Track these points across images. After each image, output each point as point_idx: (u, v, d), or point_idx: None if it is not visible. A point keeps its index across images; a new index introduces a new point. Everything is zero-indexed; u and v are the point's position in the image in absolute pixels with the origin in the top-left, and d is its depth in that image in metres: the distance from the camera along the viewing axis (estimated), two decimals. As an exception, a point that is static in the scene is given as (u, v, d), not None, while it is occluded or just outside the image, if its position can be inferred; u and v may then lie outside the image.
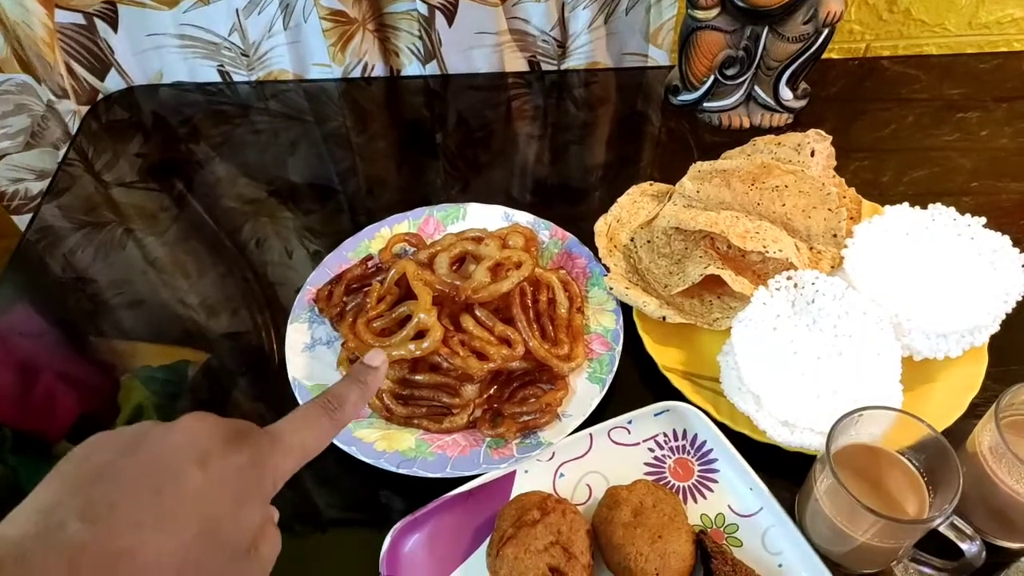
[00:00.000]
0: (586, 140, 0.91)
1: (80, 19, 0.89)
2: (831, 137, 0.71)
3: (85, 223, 0.83)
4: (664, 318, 0.63)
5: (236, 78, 0.97)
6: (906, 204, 0.66)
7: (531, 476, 0.57)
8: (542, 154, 0.91)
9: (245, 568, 0.32)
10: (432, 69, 0.95)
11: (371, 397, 0.39)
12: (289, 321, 0.66)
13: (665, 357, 0.63)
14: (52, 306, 0.77)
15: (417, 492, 0.56)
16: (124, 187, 0.86)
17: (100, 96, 0.96)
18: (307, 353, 0.64)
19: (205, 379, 0.69)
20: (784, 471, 0.57)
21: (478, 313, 0.61)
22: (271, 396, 0.65)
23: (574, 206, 0.83)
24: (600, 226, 0.70)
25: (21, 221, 1.04)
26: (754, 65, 0.82)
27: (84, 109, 0.94)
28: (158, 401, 0.67)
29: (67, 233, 0.82)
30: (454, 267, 0.65)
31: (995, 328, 0.60)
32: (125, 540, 0.28)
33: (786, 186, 0.66)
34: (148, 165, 0.89)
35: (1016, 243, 0.62)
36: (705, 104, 0.87)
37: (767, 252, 0.62)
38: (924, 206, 0.65)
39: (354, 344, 0.59)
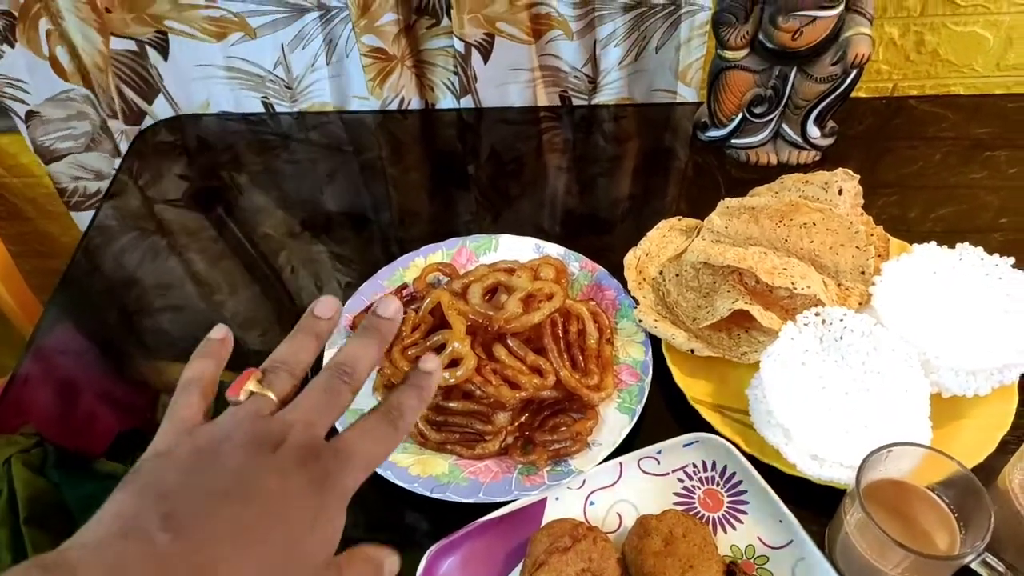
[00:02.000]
0: (614, 173, 0.93)
1: (133, 46, 0.93)
2: (859, 176, 0.72)
3: (132, 236, 0.86)
4: (693, 351, 0.64)
5: (279, 109, 1.00)
6: (934, 243, 0.67)
7: (562, 503, 0.58)
8: (571, 186, 0.93)
9: None
10: (466, 103, 0.98)
11: (429, 401, 0.38)
12: (327, 346, 0.67)
13: (694, 389, 0.64)
14: (94, 326, 0.80)
15: (449, 516, 0.58)
16: (166, 204, 0.90)
17: (147, 118, 1.00)
18: (344, 378, 0.65)
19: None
20: (814, 503, 0.58)
21: (510, 343, 0.62)
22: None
23: (602, 237, 0.85)
24: (630, 259, 0.72)
25: (79, 219, 1.08)
26: (782, 104, 0.84)
27: (132, 129, 0.99)
28: None
29: (112, 256, 0.85)
30: (486, 297, 0.67)
31: (1024, 367, 0.61)
32: (207, 553, 0.28)
33: (814, 223, 0.67)
34: (192, 189, 0.92)
35: None
36: (733, 140, 0.89)
37: (795, 288, 0.63)
38: (952, 243, 0.66)
39: (390, 371, 0.61)
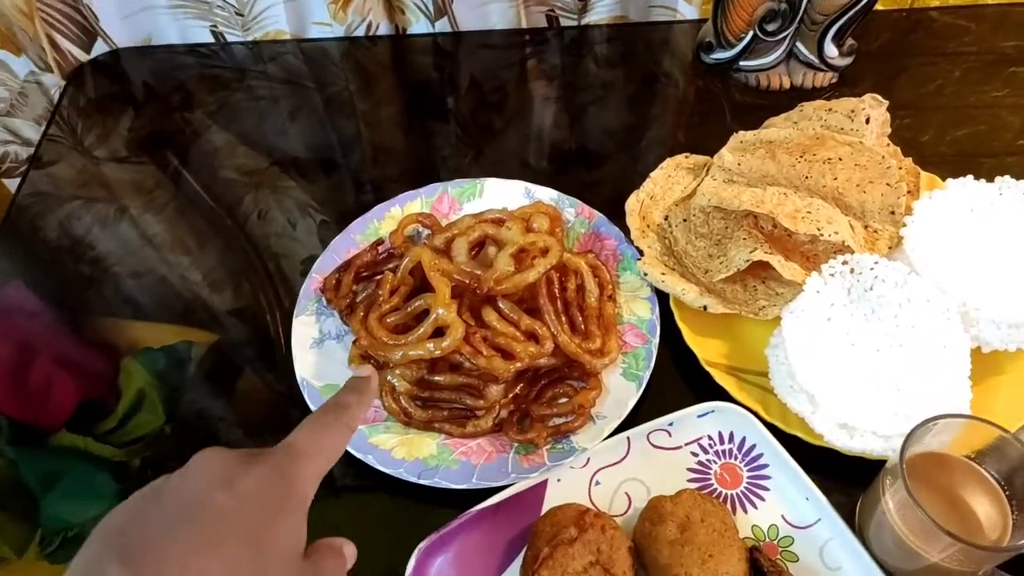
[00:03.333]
0: (608, 102, 0.85)
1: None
2: (887, 103, 0.64)
3: (75, 198, 0.77)
4: (705, 307, 0.57)
5: (230, 39, 0.90)
6: (970, 177, 0.60)
7: (564, 485, 0.52)
8: (560, 118, 0.84)
9: None
10: (442, 26, 0.88)
11: (370, 401, 0.39)
12: (295, 314, 0.60)
13: (707, 350, 0.58)
14: (46, 284, 0.73)
15: (440, 502, 0.52)
16: (116, 162, 0.80)
17: (84, 61, 0.89)
18: (315, 350, 0.58)
19: (209, 361, 0.65)
20: (842, 475, 0.52)
21: (501, 306, 0.55)
22: (281, 378, 0.60)
23: (594, 173, 0.77)
24: (632, 204, 0.64)
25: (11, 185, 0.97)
26: (797, 19, 0.75)
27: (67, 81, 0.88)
28: (160, 385, 0.63)
29: (57, 206, 0.76)
30: (473, 253, 0.59)
31: (1074, 316, 0.54)
32: (168, 570, 0.28)
33: (840, 158, 0.60)
34: (140, 137, 0.83)
35: None
36: (741, 63, 0.80)
37: (821, 234, 0.56)
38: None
39: (367, 342, 0.54)
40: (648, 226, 0.64)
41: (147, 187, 0.77)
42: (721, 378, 0.56)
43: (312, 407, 0.55)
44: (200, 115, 0.84)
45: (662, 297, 0.61)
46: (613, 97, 0.85)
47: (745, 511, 0.52)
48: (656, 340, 0.58)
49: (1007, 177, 0.59)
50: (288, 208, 0.75)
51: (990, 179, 0.59)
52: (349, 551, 0.36)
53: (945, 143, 0.79)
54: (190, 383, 0.63)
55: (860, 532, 0.50)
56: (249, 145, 0.81)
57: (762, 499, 0.52)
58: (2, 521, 0.57)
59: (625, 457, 0.53)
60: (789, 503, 0.51)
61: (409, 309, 0.55)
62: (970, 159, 0.78)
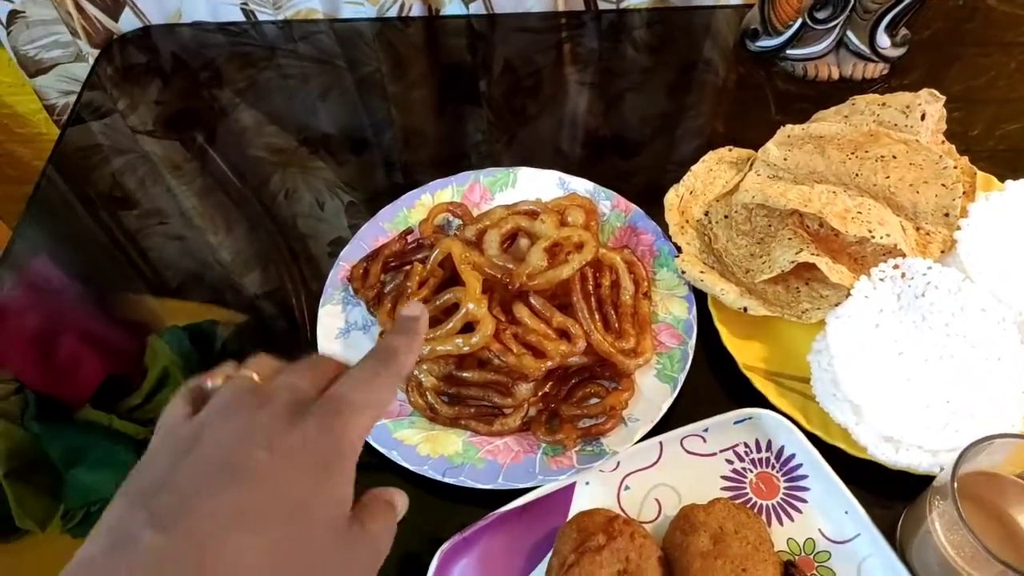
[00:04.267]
0: (646, 89, 0.82)
1: (89, -49, 0.80)
2: (944, 98, 0.61)
3: (104, 170, 0.76)
4: (745, 309, 0.55)
5: (261, 17, 0.88)
6: (1032, 177, 0.57)
7: (592, 488, 0.50)
8: (596, 104, 0.82)
9: (352, 545, 0.29)
10: (476, 8, 0.85)
11: (419, 347, 0.35)
12: (321, 303, 0.59)
13: (746, 354, 0.55)
14: (73, 258, 0.72)
15: (465, 500, 0.51)
16: (144, 135, 0.79)
17: (114, 38, 0.88)
18: (341, 340, 0.57)
19: (235, 342, 0.64)
20: (884, 489, 0.50)
21: (533, 301, 0.53)
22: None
23: (631, 162, 0.75)
24: (671, 198, 0.62)
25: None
26: (849, 7, 0.71)
27: (97, 53, 0.87)
28: (184, 364, 0.62)
29: (86, 182, 0.76)
30: (505, 245, 0.58)
31: None
32: (207, 541, 0.26)
33: (894, 156, 0.57)
34: (168, 113, 0.82)
35: None
36: (788, 51, 0.76)
37: (873, 237, 0.53)
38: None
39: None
40: (687, 222, 0.61)
41: (175, 162, 0.77)
42: (760, 383, 0.54)
43: (336, 400, 0.54)
44: (229, 92, 0.83)
45: (700, 296, 0.58)
46: (651, 84, 0.83)
47: (781, 523, 0.50)
48: (692, 341, 0.56)
49: (1071, 178, 0.56)
50: (316, 188, 0.73)
51: None
52: (401, 501, 0.33)
53: (995, 138, 0.75)
54: (214, 362, 0.62)
55: (901, 550, 0.48)
56: (278, 124, 0.80)
57: (799, 511, 0.50)
58: (26, 495, 0.56)
59: (657, 462, 0.51)
60: (827, 516, 0.49)
61: (438, 302, 0.53)
62: (1020, 155, 0.74)
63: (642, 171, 0.74)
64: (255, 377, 0.32)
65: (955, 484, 0.42)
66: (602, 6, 0.87)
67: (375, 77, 0.84)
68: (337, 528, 0.29)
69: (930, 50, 0.83)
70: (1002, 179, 0.62)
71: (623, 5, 0.86)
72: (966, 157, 0.62)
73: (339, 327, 0.58)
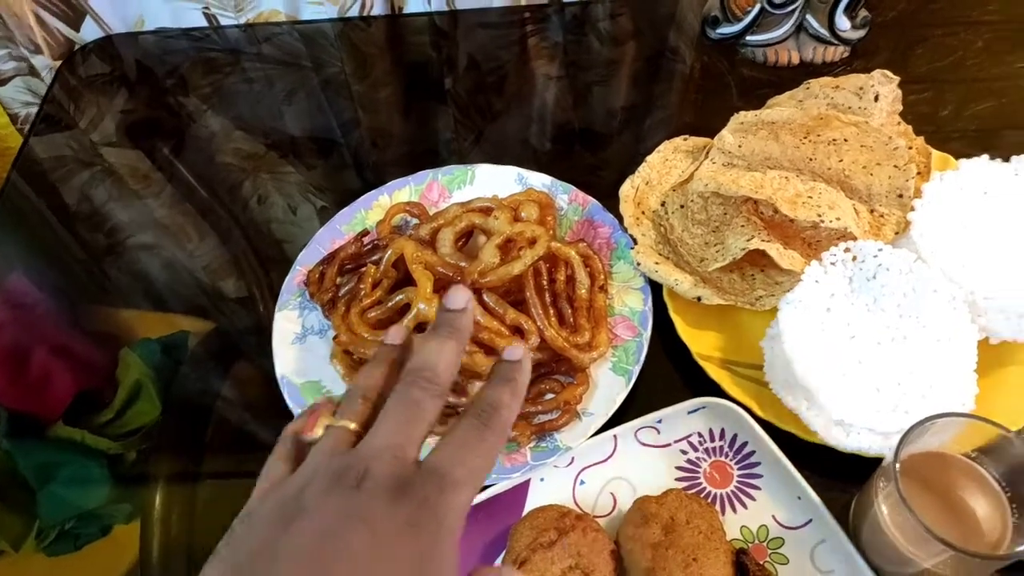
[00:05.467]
0: (612, 81, 0.82)
1: (47, -41, 0.80)
2: (898, 79, 0.60)
3: (69, 182, 0.76)
4: (699, 299, 0.55)
5: (224, 21, 0.88)
6: (985, 157, 0.56)
7: (547, 484, 0.51)
8: (563, 98, 0.82)
9: None
10: (439, 5, 0.85)
11: (523, 395, 0.32)
12: (277, 308, 0.59)
13: (700, 343, 0.56)
14: (42, 272, 0.73)
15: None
16: (110, 146, 0.79)
17: (76, 48, 0.88)
18: (297, 345, 0.57)
19: (204, 352, 0.64)
20: (839, 473, 0.50)
21: (486, 299, 0.54)
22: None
23: (599, 155, 0.75)
24: (626, 190, 0.62)
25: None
26: (807, -10, 0.71)
27: (59, 64, 0.87)
28: (157, 376, 0.62)
29: (52, 190, 0.76)
30: (460, 243, 0.58)
31: (1089, 305, 0.51)
32: None
33: (845, 139, 0.57)
34: (134, 121, 0.82)
35: None
36: (748, 37, 0.76)
37: (823, 221, 0.53)
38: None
39: (347, 338, 0.53)
40: (643, 213, 0.61)
41: (143, 171, 0.77)
42: (714, 372, 0.54)
43: (291, 405, 0.54)
44: (195, 99, 0.83)
45: (656, 288, 0.58)
46: (617, 76, 0.82)
47: (735, 511, 0.50)
48: (648, 333, 0.56)
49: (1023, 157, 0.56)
50: (288, 193, 0.74)
51: (1011, 155, 0.55)
52: None
53: (964, 118, 0.75)
54: (187, 374, 0.63)
55: (854, 534, 0.48)
56: (246, 129, 0.80)
57: (753, 499, 0.50)
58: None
59: (612, 455, 0.52)
60: (780, 503, 0.49)
61: (391, 304, 0.53)
62: (991, 134, 0.74)
63: (609, 163, 0.74)
64: (352, 427, 0.31)
65: (897, 465, 0.42)
66: (566, -1, 0.86)
67: (340, 77, 0.84)
68: None
69: (895, 31, 0.83)
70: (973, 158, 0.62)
71: (586, -4, 0.86)
72: (921, 138, 0.62)
73: (295, 332, 0.58)
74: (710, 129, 0.67)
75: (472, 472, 0.29)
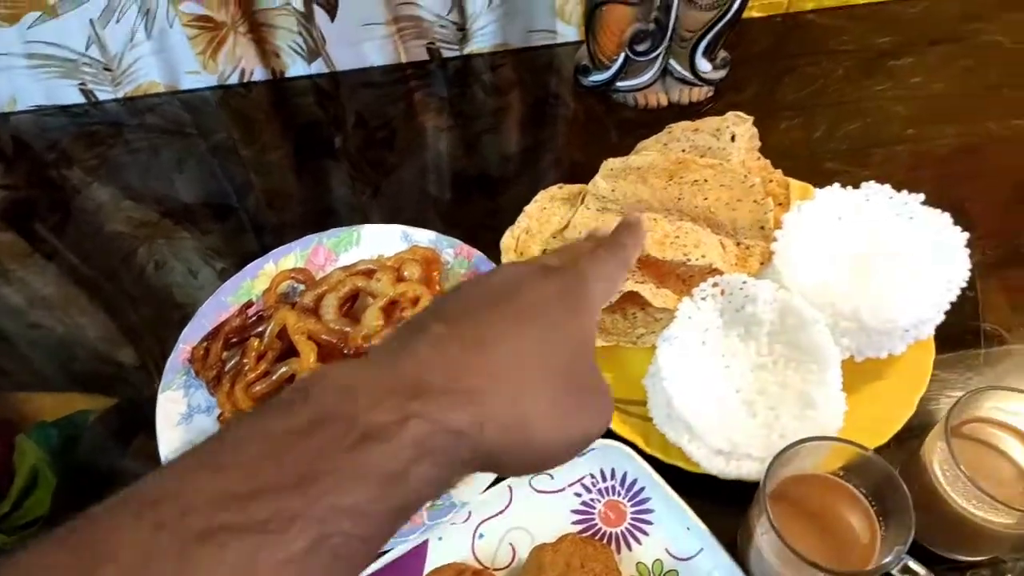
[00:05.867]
0: (500, 129, 0.85)
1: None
2: (751, 118, 0.64)
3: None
4: (583, 342, 0.56)
5: (102, 96, 0.87)
6: (837, 185, 0.60)
7: (446, 542, 0.51)
8: (455, 148, 0.84)
9: (597, 375, 0.33)
10: (318, 67, 0.86)
11: (642, 243, 0.40)
12: (160, 389, 0.58)
13: (588, 384, 0.57)
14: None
15: None
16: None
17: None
18: (183, 426, 0.56)
19: (103, 431, 0.62)
20: (729, 500, 0.52)
21: (374, 361, 0.54)
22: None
23: (497, 200, 0.77)
24: (507, 241, 0.63)
25: None
26: (667, 38, 0.75)
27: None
28: (54, 461, 0.60)
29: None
30: (345, 307, 0.58)
31: (940, 319, 0.55)
32: (481, 331, 0.30)
33: (706, 180, 0.60)
34: (15, 199, 0.80)
35: (956, 187, 0.57)
36: (618, 84, 0.80)
37: (688, 259, 0.56)
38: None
39: (231, 414, 0.52)
40: (525, 261, 0.63)
41: (24, 249, 0.75)
42: (603, 413, 0.55)
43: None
44: (79, 172, 0.82)
45: (543, 333, 0.60)
46: (505, 123, 0.85)
47: (630, 548, 0.51)
48: (537, 379, 0.57)
49: (872, 183, 0.60)
50: (186, 258, 0.73)
51: (884, 171, 0.59)
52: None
53: (836, 139, 0.80)
54: (85, 456, 0.61)
55: (741, 559, 0.49)
56: (135, 199, 0.79)
57: (646, 533, 0.51)
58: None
59: (508, 506, 0.52)
60: (672, 535, 0.51)
61: (275, 377, 0.53)
62: (861, 152, 0.79)
63: (507, 207, 0.76)
64: None
65: (766, 496, 0.44)
66: (446, 54, 0.89)
67: (228, 143, 0.84)
68: (589, 351, 0.33)
69: (761, 65, 0.88)
70: (849, 174, 0.66)
71: (466, 51, 0.89)
72: (780, 171, 0.66)
73: (181, 412, 0.57)
74: (597, 167, 0.69)
75: (602, 275, 0.36)
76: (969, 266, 0.54)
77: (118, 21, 0.80)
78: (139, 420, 0.62)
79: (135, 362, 0.65)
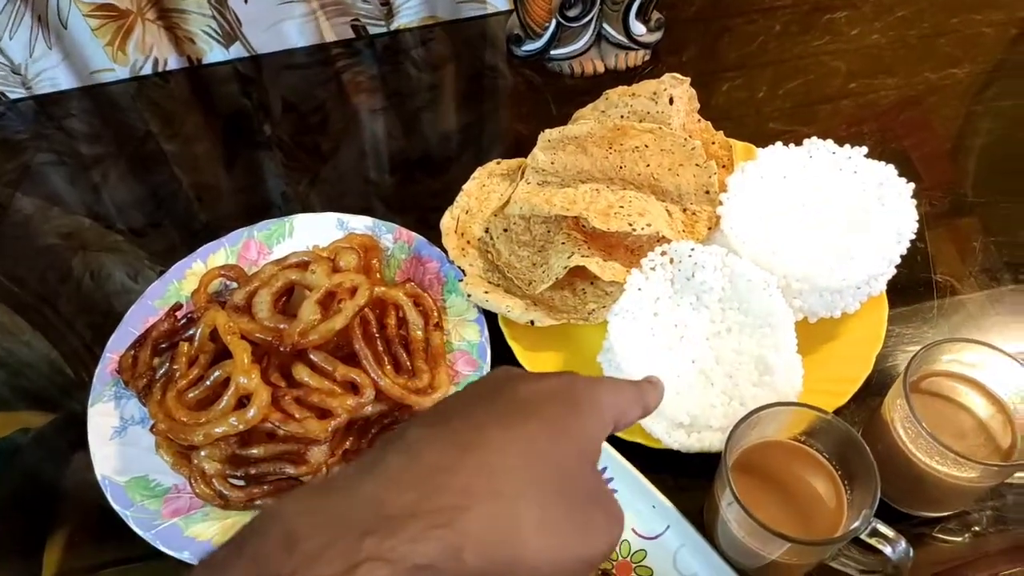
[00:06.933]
0: (436, 105, 0.81)
1: None
2: (688, 79, 0.62)
3: None
4: (532, 322, 0.54)
5: (13, 96, 0.81)
6: (779, 144, 0.59)
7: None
8: (391, 128, 0.80)
9: (601, 485, 0.31)
10: (237, 52, 0.82)
11: (662, 394, 0.38)
12: (90, 403, 0.54)
13: (540, 365, 0.55)
14: None
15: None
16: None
17: None
18: (117, 440, 0.52)
19: (38, 448, 0.59)
20: (696, 473, 0.51)
21: (313, 358, 0.51)
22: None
23: (442, 179, 0.73)
24: (447, 222, 0.60)
25: None
26: (598, 1, 0.73)
27: None
28: None
29: None
30: (281, 302, 0.55)
31: (892, 273, 0.54)
32: (464, 434, 0.28)
33: (646, 146, 0.58)
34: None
35: (899, 139, 0.56)
36: (553, 52, 0.77)
37: (634, 229, 0.54)
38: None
39: (166, 425, 0.48)
40: (468, 243, 0.60)
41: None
42: (557, 394, 0.53)
43: (116, 507, 0.50)
44: (1, 186, 0.76)
45: (491, 317, 0.58)
46: (442, 99, 0.82)
47: (595, 532, 0.49)
48: (487, 364, 0.55)
49: (815, 139, 0.58)
50: (123, 263, 0.69)
51: (828, 127, 0.58)
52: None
53: (779, 97, 0.79)
54: (24, 474, 0.58)
55: (708, 533, 0.48)
56: (62, 207, 0.74)
57: (610, 516, 0.50)
58: None
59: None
60: (637, 514, 0.49)
61: (209, 382, 0.50)
62: (805, 108, 0.78)
63: (451, 188, 0.73)
64: None
65: (728, 462, 0.43)
66: (372, 30, 0.85)
67: (150, 139, 0.79)
68: (589, 459, 0.30)
69: (698, 26, 0.86)
70: (794, 133, 0.65)
71: (394, 27, 0.85)
72: (722, 132, 0.64)
73: (113, 425, 0.53)
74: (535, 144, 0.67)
75: (614, 405, 0.33)
76: (916, 217, 0.54)
77: (12, 38, 0.74)
78: (77, 436, 0.58)
79: (75, 376, 0.62)
